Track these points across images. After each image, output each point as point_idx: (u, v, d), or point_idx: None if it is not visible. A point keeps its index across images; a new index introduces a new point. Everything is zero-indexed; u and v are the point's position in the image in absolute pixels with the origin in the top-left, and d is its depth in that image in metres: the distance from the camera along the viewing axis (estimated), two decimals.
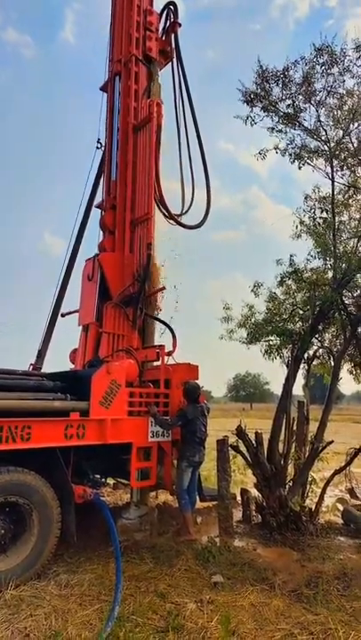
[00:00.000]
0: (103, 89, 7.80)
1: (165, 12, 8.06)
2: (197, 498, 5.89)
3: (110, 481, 7.11)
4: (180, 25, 7.98)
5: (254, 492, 6.32)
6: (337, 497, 7.71)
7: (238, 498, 6.59)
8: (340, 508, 6.89)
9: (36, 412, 4.36)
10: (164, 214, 7.10)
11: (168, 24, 8.02)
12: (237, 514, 6.21)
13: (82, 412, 4.70)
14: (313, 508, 6.09)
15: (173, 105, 7.81)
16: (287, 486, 6.05)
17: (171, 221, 7.21)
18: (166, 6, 8.05)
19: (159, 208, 6.98)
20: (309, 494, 6.33)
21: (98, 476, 5.92)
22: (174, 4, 8.01)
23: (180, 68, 7.87)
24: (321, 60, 6.59)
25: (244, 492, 6.53)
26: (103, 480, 6.39)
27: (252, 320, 7.43)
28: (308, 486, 6.30)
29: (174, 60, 7.93)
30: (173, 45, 7.91)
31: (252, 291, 7.50)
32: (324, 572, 4.49)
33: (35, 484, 4.23)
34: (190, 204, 7.59)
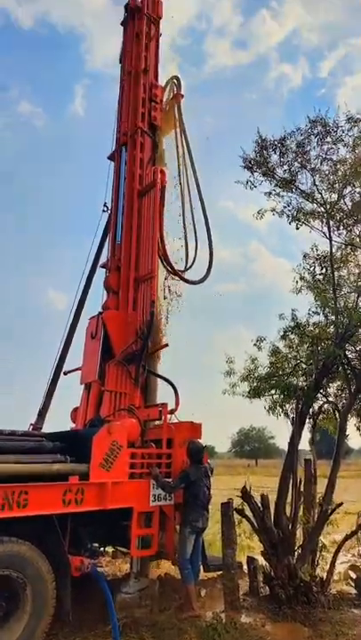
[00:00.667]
0: (110, 158, 8.30)
1: (169, 86, 8.72)
2: (201, 567, 5.57)
3: (109, 549, 6.77)
4: (182, 96, 8.63)
5: (261, 560, 5.99)
6: (349, 563, 7.27)
7: (245, 566, 6.23)
8: (353, 576, 6.47)
9: (34, 476, 4.24)
10: (168, 270, 7.29)
11: (172, 95, 8.65)
12: (244, 585, 5.85)
13: (81, 475, 4.57)
14: (324, 576, 5.76)
15: (177, 168, 8.29)
16: (296, 553, 5.75)
17: (175, 277, 7.40)
18: (170, 80, 8.73)
19: (163, 265, 7.18)
20: (320, 562, 6.00)
21: (96, 545, 5.65)
22: (178, 78, 8.72)
23: (183, 135, 8.40)
24: (315, 131, 7.04)
25: (250, 560, 6.18)
26: (102, 549, 6.08)
27: (255, 374, 7.38)
28: (318, 553, 5.98)
29: (177, 128, 8.48)
30: (177, 115, 8.49)
31: (254, 345, 7.51)
32: None
33: (29, 555, 4.02)
34: (193, 260, 7.83)
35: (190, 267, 7.79)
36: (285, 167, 7.14)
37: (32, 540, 4.09)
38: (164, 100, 8.58)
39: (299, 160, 7.04)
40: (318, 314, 7.35)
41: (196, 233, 7.98)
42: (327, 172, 7.09)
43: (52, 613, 4.10)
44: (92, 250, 8.13)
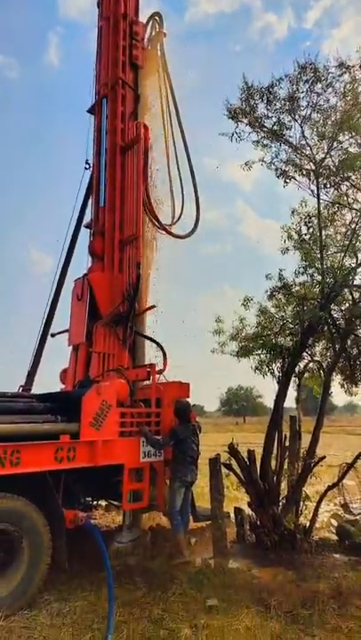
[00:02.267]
0: (90, 111, 7.92)
1: (151, 23, 8.24)
2: (191, 518, 5.82)
3: (102, 503, 7.00)
4: (165, 35, 8.16)
5: (248, 511, 6.27)
6: (331, 512, 7.66)
7: (232, 516, 6.52)
8: (335, 523, 6.85)
9: (25, 436, 4.31)
10: (155, 225, 7.17)
11: (153, 34, 8.19)
12: (232, 534, 6.14)
13: (72, 435, 4.65)
14: (307, 525, 6.06)
15: (160, 114, 7.96)
16: (281, 504, 6.01)
17: (162, 232, 7.28)
18: (152, 17, 8.23)
19: (150, 219, 7.05)
20: (303, 511, 6.29)
21: (89, 499, 5.84)
22: (159, 15, 8.21)
23: (166, 76, 8.02)
24: (305, 78, 6.75)
25: (237, 510, 6.47)
26: (95, 503, 6.29)
27: (243, 333, 7.45)
28: (301, 503, 6.26)
29: (160, 70, 8.09)
30: (159, 54, 8.08)
31: (242, 304, 7.54)
32: (319, 591, 4.45)
33: (24, 509, 4.16)
34: (180, 214, 7.70)
35: (177, 220, 7.67)
36: (274, 118, 6.87)
37: (27, 496, 4.22)
38: (146, 38, 8.12)
39: (287, 108, 6.75)
40: (305, 274, 7.36)
41: (182, 183, 7.80)
42: (317, 122, 6.87)
43: (49, 563, 4.29)
44: (75, 209, 7.94)
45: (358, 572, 5.02)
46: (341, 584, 4.60)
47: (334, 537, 6.36)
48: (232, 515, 6.53)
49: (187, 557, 5.20)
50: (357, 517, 7.17)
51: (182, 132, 7.88)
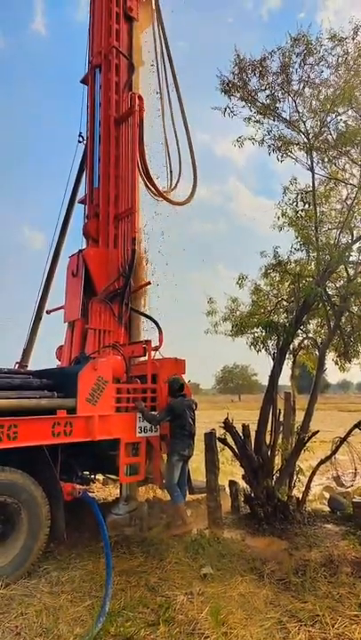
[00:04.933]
0: (84, 82, 7.68)
1: None
2: (187, 491, 5.93)
3: (100, 477, 7.12)
4: None
5: (242, 484, 6.40)
6: (323, 485, 7.85)
7: (227, 489, 6.66)
8: (327, 496, 7.02)
9: (22, 411, 4.34)
10: (152, 192, 7.06)
11: None
12: (226, 506, 6.27)
13: (69, 410, 4.69)
14: (300, 497, 6.20)
15: (156, 72, 7.81)
16: (274, 477, 6.13)
17: (159, 199, 7.19)
18: None
19: (147, 186, 6.94)
20: (296, 484, 6.43)
21: (86, 473, 5.93)
22: None
23: (161, 30, 7.78)
24: (297, 50, 6.58)
25: (232, 483, 6.60)
26: (92, 477, 6.39)
27: (237, 313, 7.46)
28: (295, 476, 6.39)
29: (155, 23, 7.84)
30: (154, 6, 7.82)
31: (237, 283, 7.51)
32: (311, 559, 4.59)
33: (23, 482, 4.23)
34: (178, 181, 7.61)
35: (174, 187, 7.58)
36: (267, 92, 6.71)
37: (25, 469, 4.28)
38: None
39: (280, 82, 6.60)
40: (300, 251, 7.33)
41: (179, 146, 7.67)
42: (309, 97, 6.73)
43: (48, 533, 4.38)
44: (69, 183, 7.80)
45: (349, 541, 5.17)
46: (333, 553, 4.75)
47: (326, 508, 6.53)
48: (227, 488, 6.68)
49: (190, 525, 5.31)
50: (349, 489, 7.35)
51: (177, 86, 7.71)
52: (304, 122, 6.79)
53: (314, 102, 6.72)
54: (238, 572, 4.33)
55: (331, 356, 7.78)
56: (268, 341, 7.09)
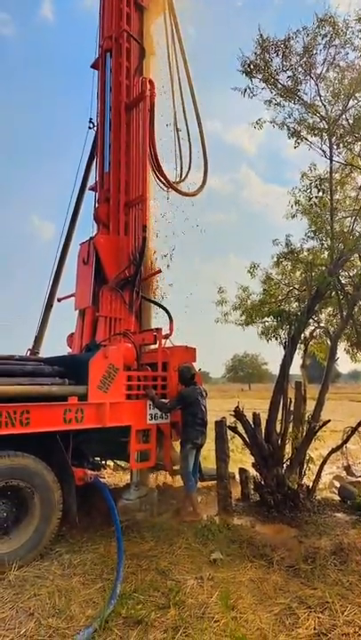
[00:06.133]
0: (94, 67, 7.58)
1: None
2: (198, 478, 5.97)
3: (110, 463, 7.19)
4: None
5: (252, 472, 6.42)
6: (334, 474, 7.83)
7: (237, 477, 6.69)
8: (337, 485, 7.00)
9: (34, 397, 4.38)
10: (162, 182, 7.01)
11: None
12: (236, 493, 6.31)
13: (80, 397, 4.72)
14: (310, 485, 6.19)
15: (167, 59, 7.67)
16: (285, 465, 6.14)
17: (168, 189, 7.13)
18: None
19: (157, 177, 6.88)
20: (307, 472, 6.42)
21: (97, 459, 5.99)
22: None
23: (172, 17, 7.65)
24: (323, 32, 6.41)
25: (242, 471, 6.62)
26: (103, 462, 6.46)
27: (248, 302, 7.42)
28: (305, 465, 6.38)
29: (166, 10, 7.70)
30: None
31: (248, 272, 7.46)
32: (321, 547, 4.59)
33: (35, 467, 4.29)
34: (188, 171, 7.52)
35: (185, 178, 7.50)
36: (289, 73, 6.56)
37: (38, 455, 4.34)
38: None
39: (303, 64, 6.45)
40: (313, 239, 7.23)
41: (189, 134, 7.58)
42: (333, 80, 6.57)
43: (60, 517, 4.45)
44: (79, 171, 7.76)
45: (359, 530, 5.16)
46: (343, 541, 4.74)
47: (336, 497, 6.51)
48: (237, 476, 6.70)
49: (200, 514, 5.37)
50: (360, 479, 7.33)
51: (188, 74, 7.58)
52: (325, 106, 6.66)
53: (336, 86, 6.56)
54: (248, 557, 4.36)
55: (343, 346, 7.74)
56: (280, 330, 7.06)
